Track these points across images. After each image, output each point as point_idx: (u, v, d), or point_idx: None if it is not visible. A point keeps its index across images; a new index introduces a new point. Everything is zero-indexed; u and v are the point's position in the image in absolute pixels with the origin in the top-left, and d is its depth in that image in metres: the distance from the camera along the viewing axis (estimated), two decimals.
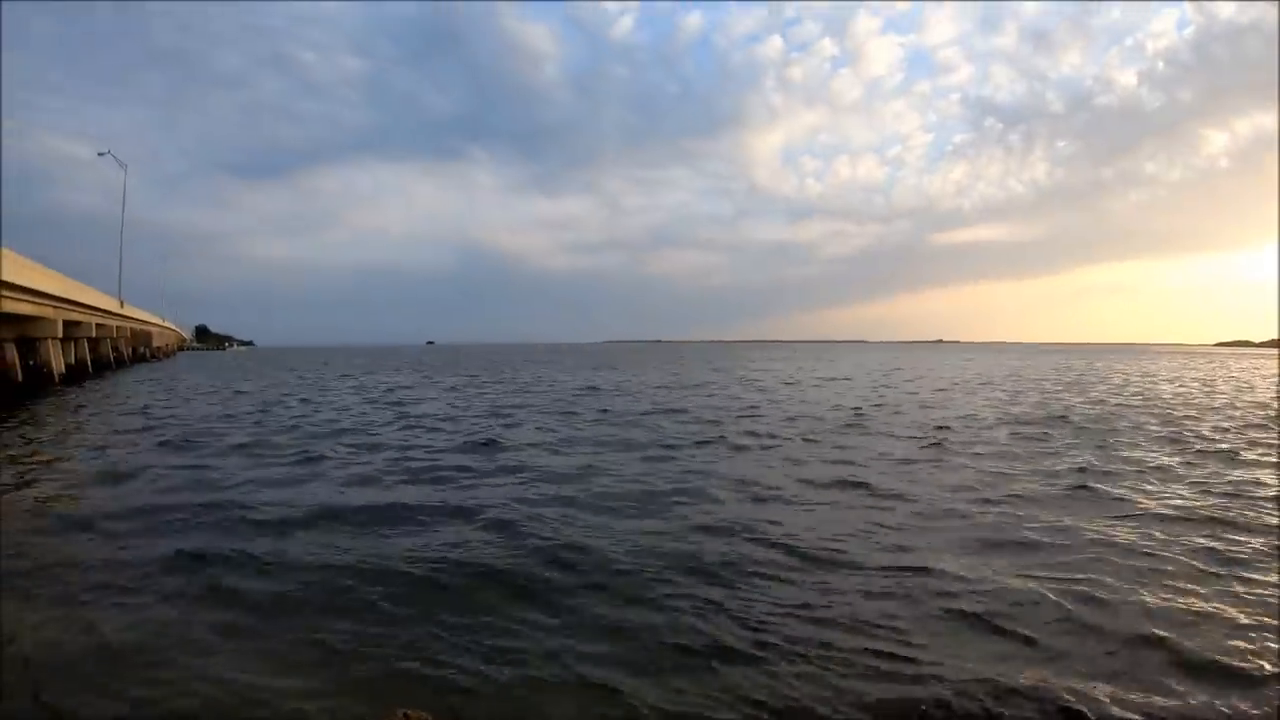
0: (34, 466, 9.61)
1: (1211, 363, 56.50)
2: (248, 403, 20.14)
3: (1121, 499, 7.53)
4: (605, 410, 17.37)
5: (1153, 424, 14.33)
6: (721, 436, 12.41)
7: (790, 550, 5.66)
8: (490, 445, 11.46)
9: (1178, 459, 10.11)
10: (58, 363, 26.53)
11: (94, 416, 16.04)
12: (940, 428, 13.50)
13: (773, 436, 12.49)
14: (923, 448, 11.16)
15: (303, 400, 21.25)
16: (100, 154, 44.55)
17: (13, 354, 23.29)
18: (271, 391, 25.05)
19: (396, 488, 8.26)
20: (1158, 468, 9.45)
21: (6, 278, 19.03)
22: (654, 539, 6.03)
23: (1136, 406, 18.34)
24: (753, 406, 18.39)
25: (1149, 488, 8.13)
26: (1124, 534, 6.18)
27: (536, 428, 13.96)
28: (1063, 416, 15.48)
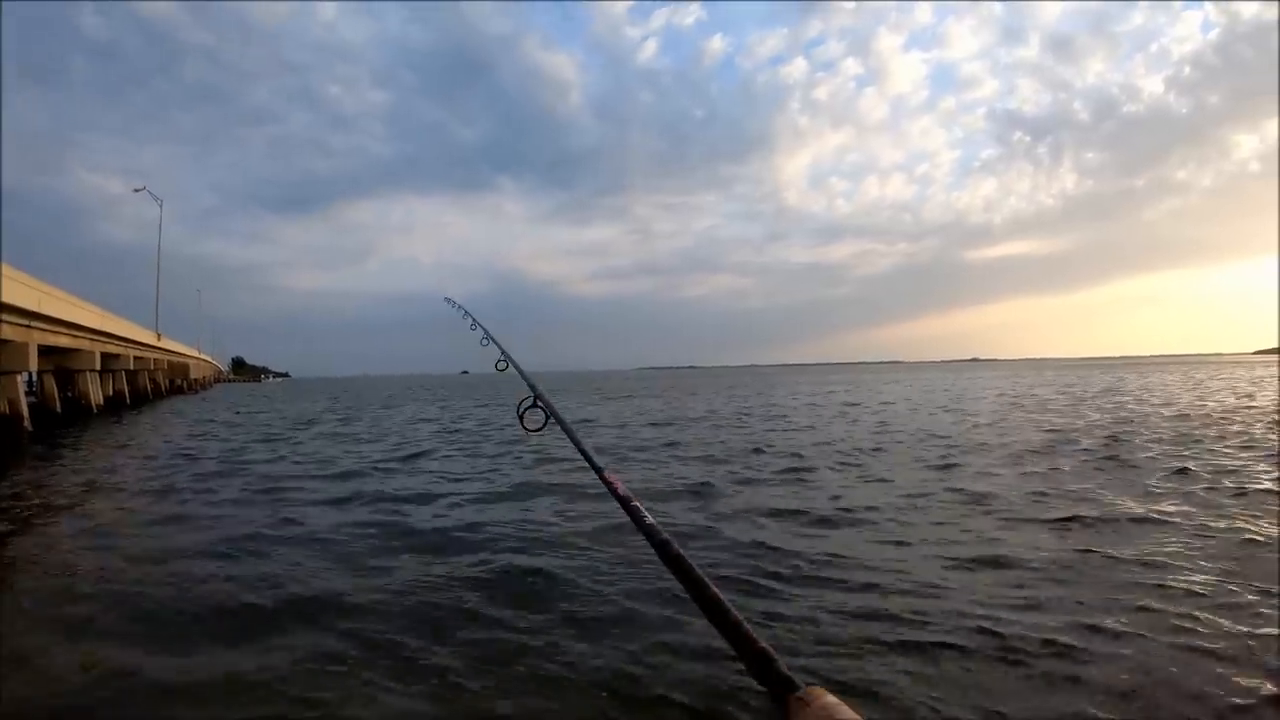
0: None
1: None
2: None
3: None
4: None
5: None
6: None
7: None
8: None
9: None
10: (95, 394, 27.01)
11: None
12: None
13: None
14: None
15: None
16: (136, 190, 46.35)
17: (51, 386, 23.79)
18: None
19: None
20: None
21: (45, 310, 19.44)
22: None
23: None
24: None
25: None
26: None
27: None
28: None
